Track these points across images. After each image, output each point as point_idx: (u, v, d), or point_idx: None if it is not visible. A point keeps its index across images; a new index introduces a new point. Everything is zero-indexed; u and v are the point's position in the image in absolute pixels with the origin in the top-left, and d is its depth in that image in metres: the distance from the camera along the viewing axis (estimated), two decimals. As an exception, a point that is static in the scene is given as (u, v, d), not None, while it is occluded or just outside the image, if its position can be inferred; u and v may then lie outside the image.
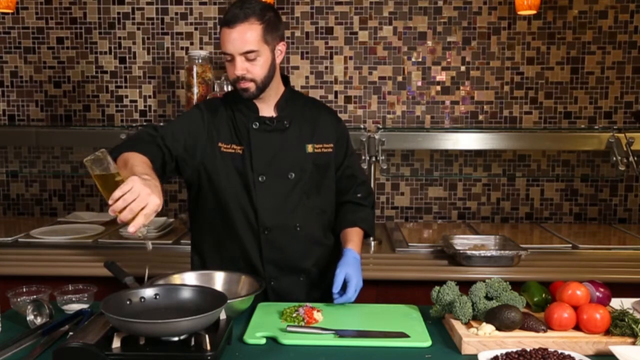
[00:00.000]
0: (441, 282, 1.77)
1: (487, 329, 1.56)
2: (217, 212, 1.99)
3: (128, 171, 1.58)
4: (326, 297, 1.92)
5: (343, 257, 1.92)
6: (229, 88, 2.84)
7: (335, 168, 2.07)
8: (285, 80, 2.04)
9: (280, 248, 1.98)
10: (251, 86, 1.89)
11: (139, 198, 1.44)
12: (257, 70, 1.87)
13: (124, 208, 1.43)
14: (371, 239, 2.83)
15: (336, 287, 1.84)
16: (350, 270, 1.87)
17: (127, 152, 1.75)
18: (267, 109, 1.98)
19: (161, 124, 1.94)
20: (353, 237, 2.02)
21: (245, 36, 1.83)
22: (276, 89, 1.98)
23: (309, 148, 2.00)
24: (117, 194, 1.43)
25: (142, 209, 1.44)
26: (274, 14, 1.91)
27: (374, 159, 2.83)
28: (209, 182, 1.97)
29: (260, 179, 1.94)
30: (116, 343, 1.40)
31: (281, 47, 1.93)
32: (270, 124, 1.96)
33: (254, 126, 1.95)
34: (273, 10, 1.92)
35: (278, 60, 1.94)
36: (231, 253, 2.00)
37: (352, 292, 1.85)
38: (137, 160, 1.70)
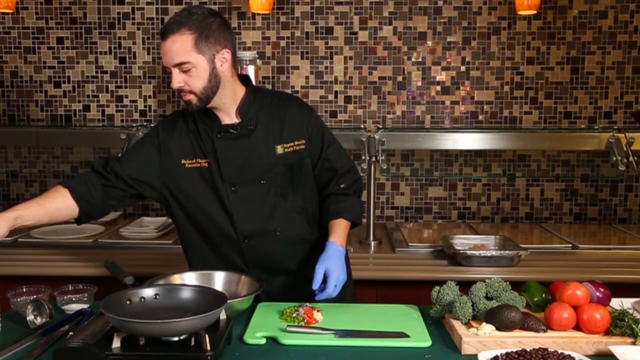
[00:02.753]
0: (441, 282, 1.77)
1: (487, 329, 1.56)
2: (195, 227, 1.97)
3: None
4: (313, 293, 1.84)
5: (324, 251, 1.86)
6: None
7: (312, 163, 2.00)
8: (246, 81, 1.97)
9: (264, 254, 1.96)
10: (192, 98, 1.83)
11: None
12: (194, 81, 1.80)
13: None
14: (371, 239, 2.84)
15: (315, 284, 1.78)
16: (330, 265, 1.81)
17: (61, 185, 1.90)
18: (227, 116, 1.91)
19: (119, 154, 2.01)
20: (336, 229, 1.95)
21: (174, 47, 1.77)
22: (232, 96, 1.90)
23: (279, 149, 1.92)
24: None
25: None
26: (214, 20, 1.81)
27: (374, 159, 2.82)
28: (178, 200, 1.95)
29: (232, 188, 1.91)
30: (116, 343, 1.40)
31: (225, 54, 1.83)
32: (234, 132, 1.90)
33: (217, 136, 1.90)
34: (215, 17, 1.82)
35: (223, 68, 1.83)
36: (216, 262, 1.97)
37: (332, 287, 1.78)
38: (42, 197, 1.86)
